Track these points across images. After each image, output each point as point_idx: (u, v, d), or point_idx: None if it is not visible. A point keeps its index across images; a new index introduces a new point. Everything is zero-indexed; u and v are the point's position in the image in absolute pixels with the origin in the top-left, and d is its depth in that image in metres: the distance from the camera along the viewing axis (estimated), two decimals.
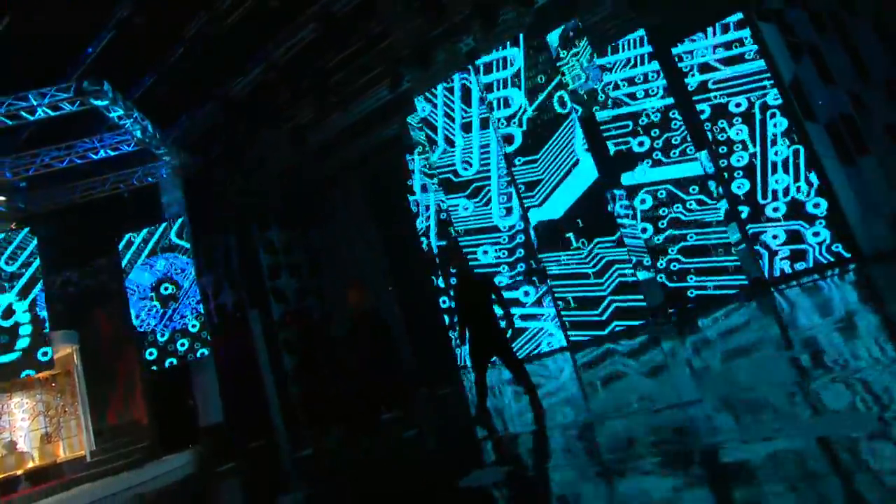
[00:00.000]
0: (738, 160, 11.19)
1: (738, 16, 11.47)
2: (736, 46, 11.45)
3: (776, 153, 10.95)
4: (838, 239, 10.38)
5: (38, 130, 10.88)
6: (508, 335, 5.14)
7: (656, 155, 11.18)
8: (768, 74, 11.10)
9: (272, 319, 14.79)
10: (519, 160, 11.31)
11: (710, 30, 11.69)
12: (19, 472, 9.24)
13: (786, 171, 10.89)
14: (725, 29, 11.58)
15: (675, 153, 11.09)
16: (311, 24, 10.58)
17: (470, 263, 9.87)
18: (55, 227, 11.52)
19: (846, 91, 10.09)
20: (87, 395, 10.28)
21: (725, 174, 11.25)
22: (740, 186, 11.14)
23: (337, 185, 16.65)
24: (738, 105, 11.28)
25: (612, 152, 11.40)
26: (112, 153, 10.93)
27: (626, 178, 11.29)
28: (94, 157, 10.84)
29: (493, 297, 5.07)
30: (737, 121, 11.27)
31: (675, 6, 11.68)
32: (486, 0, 10.61)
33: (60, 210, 12.34)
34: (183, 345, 12.00)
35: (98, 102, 9.10)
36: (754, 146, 11.10)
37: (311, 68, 11.77)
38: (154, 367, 11.48)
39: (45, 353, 9.80)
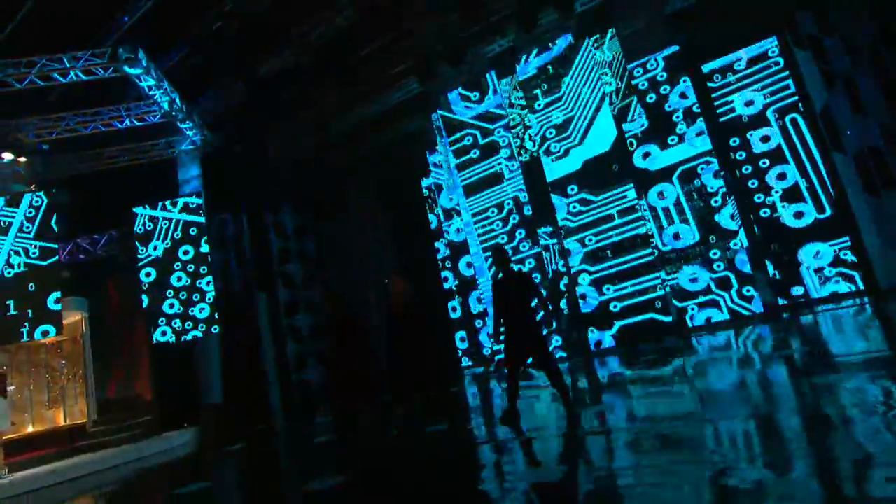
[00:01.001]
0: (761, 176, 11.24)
1: (773, 40, 11.53)
2: (768, 70, 11.50)
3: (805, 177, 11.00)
4: (858, 270, 10.42)
5: (61, 95, 10.80)
6: (545, 336, 5.09)
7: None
8: (796, 99, 11.16)
9: (279, 304, 14.74)
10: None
11: (743, 51, 11.73)
12: (15, 435, 9.15)
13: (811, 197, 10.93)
14: (758, 51, 11.63)
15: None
16: (346, 10, 10.53)
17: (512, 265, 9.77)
18: (71, 193, 11.42)
19: (877, 122, 10.12)
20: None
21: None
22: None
23: (354, 176, 16.61)
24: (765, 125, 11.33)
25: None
26: (137, 123, 10.84)
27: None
28: (119, 125, 10.75)
29: (534, 297, 5.04)
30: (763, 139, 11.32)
31: (709, 26, 11.70)
32: (527, 2, 10.58)
33: (77, 176, 12.24)
34: (190, 323, 11.91)
35: (131, 70, 9.02)
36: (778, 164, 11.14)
37: (342, 55, 11.73)
38: (161, 342, 11.39)
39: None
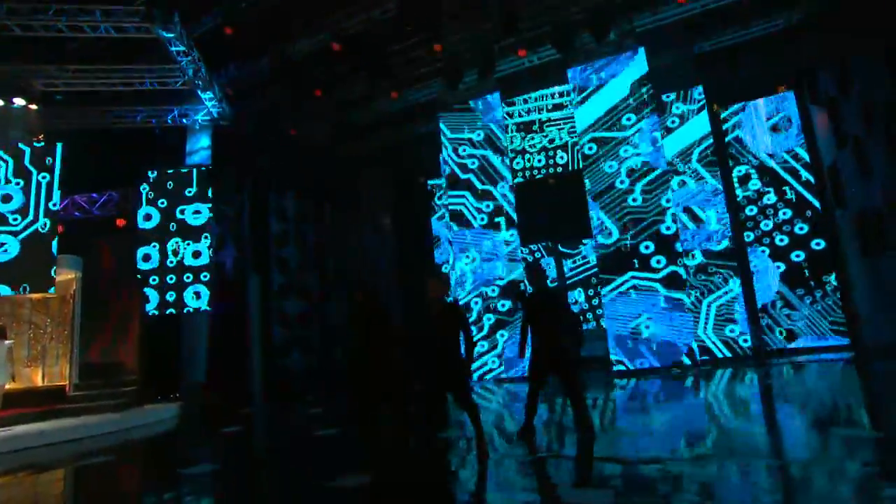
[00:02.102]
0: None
1: (791, 94, 11.92)
2: (782, 122, 11.88)
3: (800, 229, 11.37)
4: (846, 326, 10.81)
5: (82, 46, 10.48)
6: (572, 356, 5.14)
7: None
8: (806, 153, 11.55)
9: (271, 287, 14.53)
10: None
11: (761, 101, 12.10)
12: None
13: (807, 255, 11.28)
14: (776, 102, 12.00)
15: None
16: (388, 4, 10.49)
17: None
18: (77, 147, 11.05)
19: (881, 186, 10.54)
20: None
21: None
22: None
23: (364, 168, 16.54)
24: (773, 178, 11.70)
25: None
26: (158, 86, 10.58)
27: None
28: (140, 86, 10.47)
29: (564, 315, 5.11)
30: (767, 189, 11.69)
31: (734, 72, 12.02)
32: (564, 21, 10.72)
33: (81, 132, 11.87)
34: (183, 296, 11.66)
35: (164, 33, 8.82)
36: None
37: (374, 47, 11.67)
38: (152, 312, 11.11)
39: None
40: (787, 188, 11.60)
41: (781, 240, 11.47)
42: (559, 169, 13.32)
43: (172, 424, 8.71)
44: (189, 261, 12.07)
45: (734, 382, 7.97)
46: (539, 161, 13.70)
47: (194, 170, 12.55)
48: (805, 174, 11.56)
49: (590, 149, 11.52)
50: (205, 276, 11.98)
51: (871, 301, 10.50)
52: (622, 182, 11.14)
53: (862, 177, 10.78)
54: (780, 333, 11.22)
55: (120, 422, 8.14)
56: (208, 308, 11.88)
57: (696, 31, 11.28)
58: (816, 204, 11.43)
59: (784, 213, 11.53)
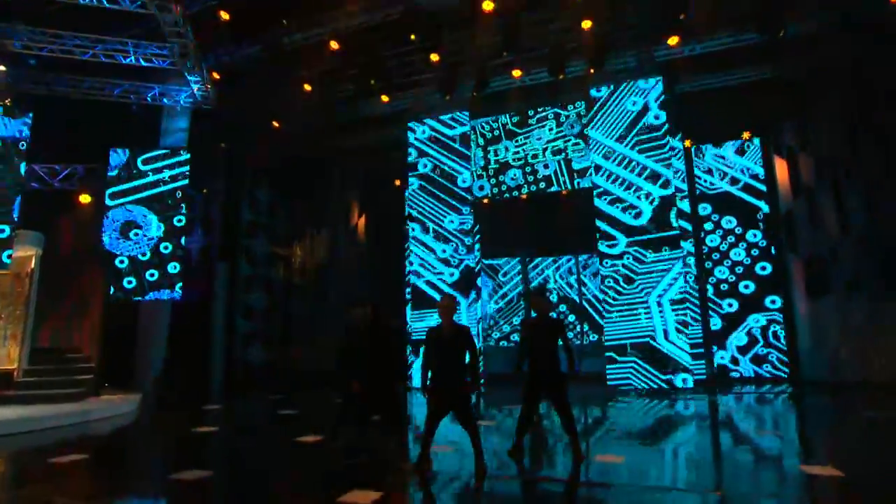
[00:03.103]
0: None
1: (757, 141, 12.81)
2: (747, 166, 12.75)
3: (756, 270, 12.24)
4: (785, 359, 11.74)
5: (61, 9, 9.87)
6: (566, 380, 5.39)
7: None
8: (765, 198, 12.45)
9: (238, 278, 14.15)
10: None
11: (729, 144, 12.93)
12: None
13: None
14: (741, 148, 12.87)
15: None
16: (398, 6, 10.47)
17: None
18: (45, 116, 10.40)
19: (827, 236, 11.54)
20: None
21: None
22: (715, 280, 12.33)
23: (342, 166, 16.37)
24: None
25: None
26: (144, 63, 10.10)
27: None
28: (123, 59, 9.96)
29: (562, 341, 5.35)
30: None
31: (705, 114, 12.78)
32: (561, 47, 11.07)
33: (49, 98, 11.17)
34: (148, 281, 11.18)
35: (159, 10, 8.46)
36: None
37: (371, 48, 11.63)
38: (116, 297, 10.58)
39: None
40: (745, 230, 12.44)
41: (744, 284, 12.26)
42: (538, 185, 13.68)
43: (134, 418, 8.37)
44: (157, 245, 11.58)
45: (673, 407, 8.54)
46: (512, 180, 13.96)
47: (169, 151, 12.06)
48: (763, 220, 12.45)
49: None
50: (174, 267, 11.52)
51: (811, 339, 11.48)
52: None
53: (812, 225, 11.77)
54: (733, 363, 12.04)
55: (79, 413, 7.74)
56: (175, 295, 11.44)
57: (677, 72, 11.91)
58: (771, 248, 12.35)
59: (741, 255, 12.36)
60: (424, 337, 4.90)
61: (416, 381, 12.34)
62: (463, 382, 4.63)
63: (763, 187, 12.42)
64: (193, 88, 11.01)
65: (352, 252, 16.39)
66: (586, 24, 10.34)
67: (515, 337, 14.02)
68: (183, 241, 12.01)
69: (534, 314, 5.53)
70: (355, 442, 4.98)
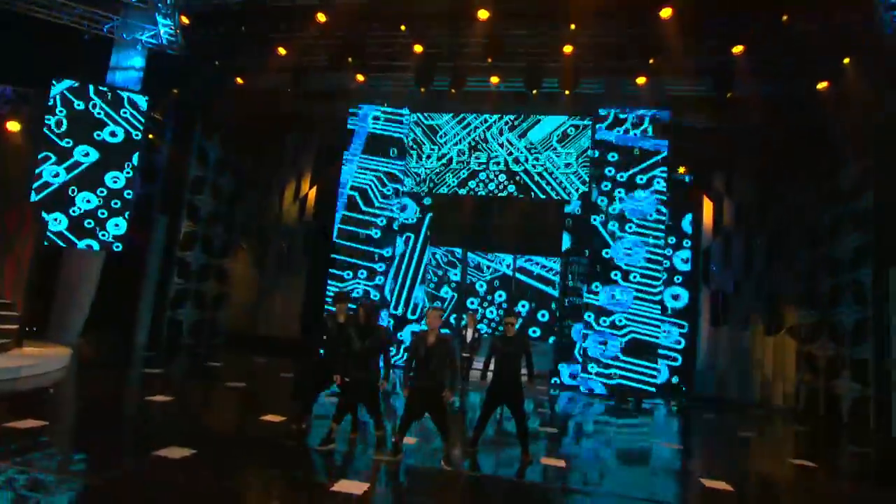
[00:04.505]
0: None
1: (689, 177, 14.19)
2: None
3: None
4: (683, 375, 13.39)
5: None
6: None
7: None
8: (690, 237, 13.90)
9: (177, 233, 13.51)
10: None
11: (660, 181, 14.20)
12: None
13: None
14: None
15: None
16: None
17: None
18: None
19: (733, 275, 13.28)
20: None
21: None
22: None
23: (296, 135, 15.92)
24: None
25: None
26: None
27: None
28: None
29: (526, 359, 5.99)
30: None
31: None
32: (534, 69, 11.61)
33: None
34: (86, 229, 10.46)
35: None
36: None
37: (356, 25, 11.45)
38: (51, 244, 9.78)
39: None
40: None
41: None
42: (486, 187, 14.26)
43: (68, 376, 8.00)
44: (96, 189, 10.79)
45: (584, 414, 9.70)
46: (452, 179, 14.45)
47: (126, 95, 11.19)
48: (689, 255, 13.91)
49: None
50: (112, 214, 10.82)
51: (707, 361, 13.24)
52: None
53: (724, 264, 13.46)
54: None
55: (5, 369, 7.27)
56: (111, 244, 10.77)
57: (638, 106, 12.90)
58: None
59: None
60: (411, 340, 5.33)
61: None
62: (441, 389, 5.11)
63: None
64: (160, 30, 10.27)
65: (298, 222, 16.10)
66: (567, 49, 10.94)
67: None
68: (126, 190, 11.30)
69: (501, 329, 6.11)
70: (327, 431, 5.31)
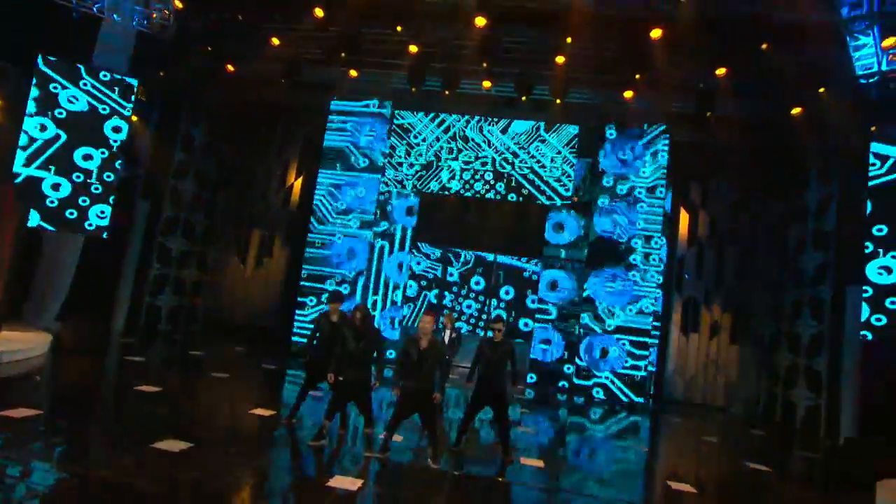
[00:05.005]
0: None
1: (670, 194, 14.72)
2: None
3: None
4: (653, 380, 13.98)
5: None
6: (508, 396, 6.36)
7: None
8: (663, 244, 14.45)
9: (160, 218, 13.36)
10: None
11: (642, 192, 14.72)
12: None
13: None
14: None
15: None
16: None
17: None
18: None
19: (704, 287, 13.90)
20: None
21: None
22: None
23: (284, 126, 15.85)
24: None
25: None
26: None
27: None
28: None
29: (510, 366, 6.27)
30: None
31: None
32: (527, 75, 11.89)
33: None
34: (70, 212, 10.30)
35: None
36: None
37: (354, 18, 11.46)
38: (37, 226, 9.59)
39: None
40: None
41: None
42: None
43: (51, 363, 7.96)
44: (78, 170, 10.60)
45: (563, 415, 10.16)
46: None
47: (114, 77, 10.97)
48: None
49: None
50: (94, 199, 10.66)
51: (675, 366, 13.85)
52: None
53: (696, 274, 14.07)
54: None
55: None
56: (92, 228, 10.61)
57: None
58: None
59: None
60: (403, 344, 5.58)
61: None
62: (431, 391, 5.38)
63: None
64: (153, 12, 10.13)
65: (282, 211, 16.05)
66: (560, 60, 11.22)
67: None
68: (107, 174, 11.12)
69: (490, 333, 6.38)
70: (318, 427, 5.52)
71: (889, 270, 8.77)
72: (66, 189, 10.37)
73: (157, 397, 6.57)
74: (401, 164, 14.62)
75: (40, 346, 8.38)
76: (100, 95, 10.93)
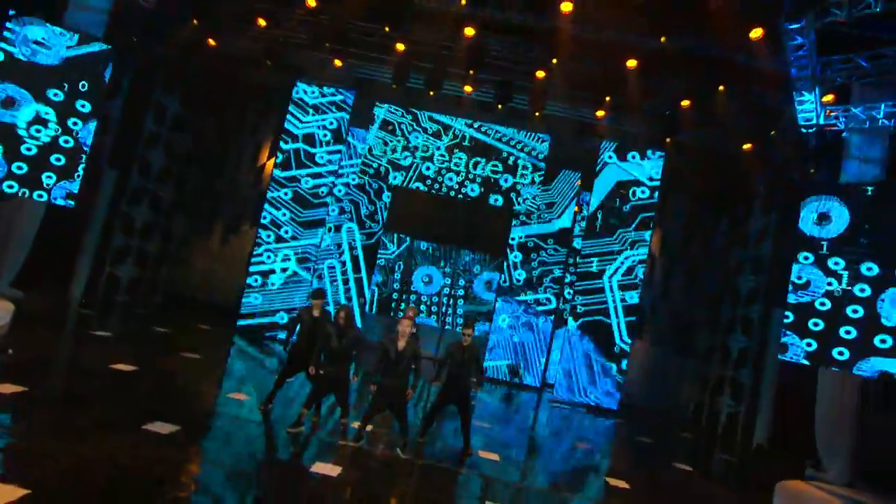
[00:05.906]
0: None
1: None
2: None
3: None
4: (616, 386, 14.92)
5: None
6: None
7: None
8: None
9: (125, 187, 13.07)
10: None
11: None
12: None
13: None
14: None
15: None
16: None
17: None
18: None
19: (652, 297, 14.99)
20: None
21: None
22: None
23: (260, 104, 15.70)
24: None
25: None
26: None
27: None
28: None
29: (476, 366, 6.84)
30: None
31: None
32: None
33: None
34: (44, 177, 10.02)
35: None
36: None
37: (341, 14, 11.55)
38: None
39: None
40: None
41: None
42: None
43: (9, 334, 7.87)
44: (56, 138, 10.27)
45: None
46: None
47: (85, 38, 10.60)
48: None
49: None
50: (56, 164, 10.37)
51: (639, 374, 14.83)
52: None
53: (647, 286, 15.12)
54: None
55: None
56: (54, 196, 10.34)
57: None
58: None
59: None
60: (382, 343, 6.03)
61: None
62: (405, 388, 5.87)
63: None
64: None
65: (252, 192, 15.94)
66: (540, 74, 11.76)
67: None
68: (71, 141, 10.81)
69: (462, 335, 6.92)
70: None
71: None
72: (24, 152, 10.04)
73: (135, 377, 6.74)
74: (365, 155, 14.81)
75: (3, 315, 8.24)
76: (76, 56, 10.56)
